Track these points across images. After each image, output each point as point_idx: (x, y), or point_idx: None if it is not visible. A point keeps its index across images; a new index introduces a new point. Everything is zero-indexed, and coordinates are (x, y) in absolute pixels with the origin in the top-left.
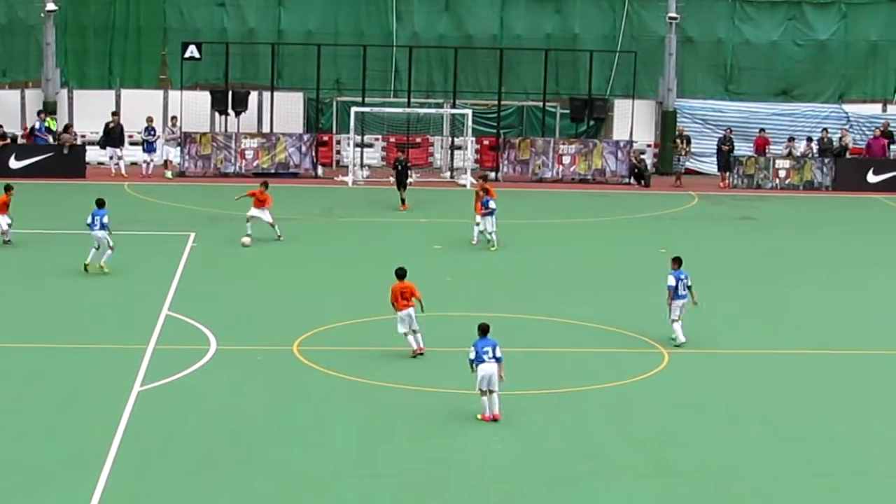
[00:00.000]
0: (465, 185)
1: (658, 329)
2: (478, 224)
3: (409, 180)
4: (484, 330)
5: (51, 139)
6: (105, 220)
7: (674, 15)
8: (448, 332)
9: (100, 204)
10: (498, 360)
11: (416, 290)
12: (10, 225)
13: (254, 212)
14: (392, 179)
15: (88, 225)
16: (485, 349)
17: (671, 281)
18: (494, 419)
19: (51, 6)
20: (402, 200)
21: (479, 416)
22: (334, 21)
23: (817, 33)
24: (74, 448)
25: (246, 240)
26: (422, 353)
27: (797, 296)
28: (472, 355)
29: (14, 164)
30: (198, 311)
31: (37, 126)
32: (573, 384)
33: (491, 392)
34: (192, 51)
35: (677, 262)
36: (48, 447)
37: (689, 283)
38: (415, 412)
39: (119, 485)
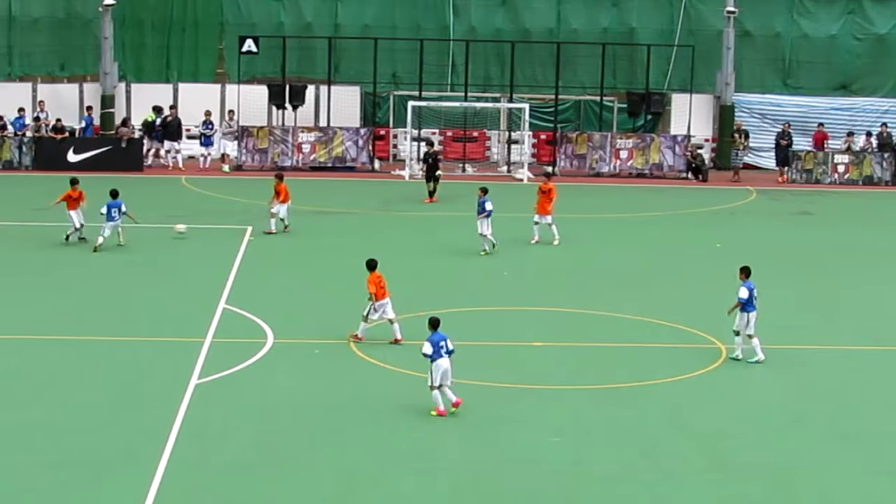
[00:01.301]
0: (521, 180)
1: (715, 324)
2: (537, 223)
3: (439, 173)
4: (435, 324)
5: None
6: (123, 209)
7: (732, 9)
8: (505, 326)
9: (114, 195)
10: (450, 353)
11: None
12: (82, 225)
13: (275, 206)
14: (422, 172)
15: (104, 214)
16: (440, 343)
17: (744, 293)
18: (456, 406)
19: (108, 0)
20: (430, 193)
21: (433, 412)
22: (391, 15)
23: (876, 27)
24: (131, 441)
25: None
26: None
27: (855, 291)
28: (430, 350)
29: (72, 157)
30: (255, 304)
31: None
32: (630, 379)
33: (442, 386)
34: (249, 45)
35: (747, 271)
36: (105, 440)
37: (756, 294)
38: (471, 406)
39: (176, 478)
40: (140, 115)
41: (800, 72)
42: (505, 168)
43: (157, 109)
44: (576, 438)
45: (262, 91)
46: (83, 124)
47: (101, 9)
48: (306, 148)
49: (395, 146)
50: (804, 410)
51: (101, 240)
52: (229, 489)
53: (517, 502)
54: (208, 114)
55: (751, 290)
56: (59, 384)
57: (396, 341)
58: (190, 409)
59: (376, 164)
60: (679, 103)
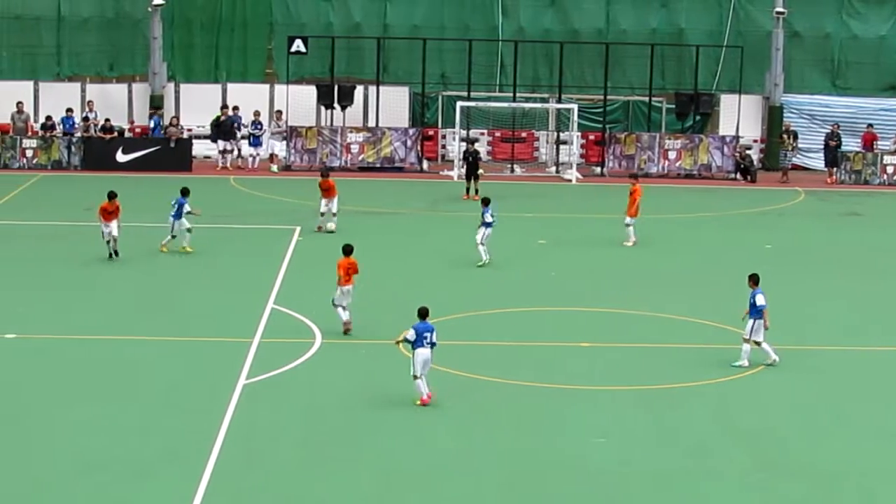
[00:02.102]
0: (570, 181)
1: None
2: (628, 224)
3: (480, 171)
4: (423, 314)
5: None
6: (187, 208)
7: (781, 10)
8: (552, 327)
9: (184, 192)
10: (433, 345)
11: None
12: (115, 238)
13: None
14: (463, 171)
15: (173, 216)
16: (425, 334)
17: (761, 300)
18: (424, 403)
19: (158, 0)
20: (467, 190)
21: (417, 402)
22: (440, 15)
23: None
24: (179, 441)
25: (330, 225)
26: (349, 330)
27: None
28: (412, 337)
29: (121, 157)
30: (303, 304)
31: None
32: (676, 380)
33: (422, 376)
34: (297, 45)
35: (755, 279)
36: (153, 440)
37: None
38: (517, 406)
39: (223, 479)
40: (190, 115)
41: (849, 72)
42: (553, 169)
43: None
44: (621, 439)
45: (310, 91)
46: (151, 125)
47: (150, 9)
48: (355, 148)
49: (443, 146)
50: (852, 411)
51: (168, 238)
52: (276, 490)
53: (562, 502)
54: (257, 114)
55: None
56: (107, 384)
57: (349, 327)
58: (237, 410)
59: (424, 165)
60: (728, 104)
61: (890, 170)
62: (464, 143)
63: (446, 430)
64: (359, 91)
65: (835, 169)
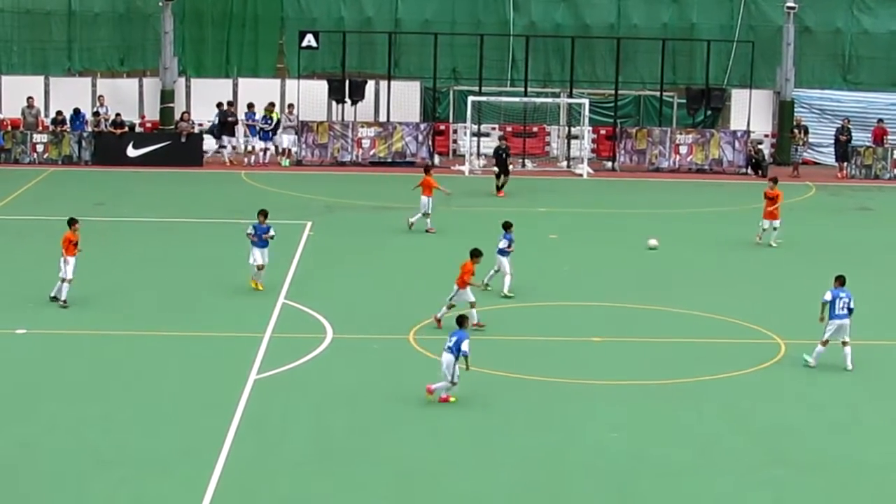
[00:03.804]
0: (581, 175)
1: (773, 319)
2: (764, 229)
3: (511, 167)
4: (459, 321)
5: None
6: (271, 233)
7: (792, 4)
8: (566, 322)
9: (264, 215)
10: (448, 349)
11: None
12: (70, 281)
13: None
14: (495, 168)
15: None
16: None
17: (827, 296)
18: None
19: None
20: (498, 187)
21: (453, 399)
22: (451, 10)
23: None
24: (190, 437)
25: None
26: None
27: None
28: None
29: (132, 152)
30: (314, 299)
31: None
32: (689, 374)
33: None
34: (309, 40)
35: (840, 280)
36: (165, 436)
37: (852, 307)
38: (529, 402)
39: (235, 473)
40: (201, 110)
41: (859, 67)
42: (565, 163)
43: (250, 106)
44: (635, 434)
45: (321, 86)
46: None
47: (161, 3)
48: (366, 143)
49: (454, 141)
50: (864, 405)
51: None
52: (288, 485)
53: (576, 497)
54: (268, 109)
55: (836, 297)
56: (119, 380)
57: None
58: (249, 405)
59: (436, 160)
60: (739, 99)
61: None
62: (476, 138)
63: (459, 425)
64: (370, 86)
65: (845, 164)
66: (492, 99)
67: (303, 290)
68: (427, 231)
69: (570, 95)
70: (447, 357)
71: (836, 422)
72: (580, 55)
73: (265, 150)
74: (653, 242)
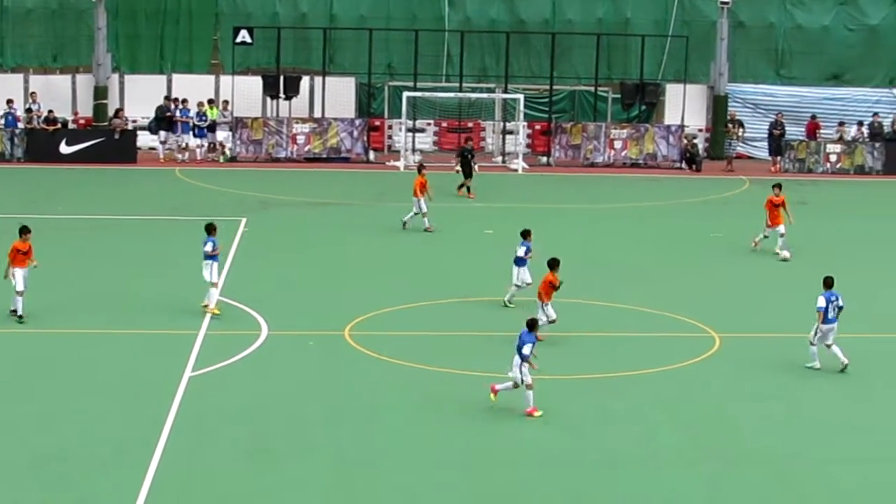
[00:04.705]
0: (516, 170)
1: (710, 314)
2: (766, 237)
3: (476, 167)
4: (530, 325)
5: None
6: (207, 248)
7: (726, 0)
8: (500, 317)
9: (208, 230)
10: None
11: None
12: (21, 293)
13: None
14: (458, 168)
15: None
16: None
17: (821, 302)
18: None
19: None
20: (468, 189)
21: (538, 413)
22: (386, 6)
23: (868, 18)
24: (126, 434)
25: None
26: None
27: (852, 280)
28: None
29: (65, 149)
30: (249, 296)
31: (188, 114)
32: (624, 368)
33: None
34: (243, 35)
35: (828, 282)
36: (100, 433)
37: (841, 305)
38: (465, 397)
39: (170, 470)
40: (135, 106)
41: (793, 62)
42: (500, 159)
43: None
44: (569, 428)
45: (256, 82)
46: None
47: None
48: (301, 139)
49: (390, 137)
50: (799, 398)
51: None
52: (223, 482)
53: (511, 492)
54: (201, 105)
55: (829, 301)
56: (53, 378)
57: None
58: (184, 403)
59: (371, 155)
60: (673, 94)
61: (833, 158)
62: (410, 134)
63: (394, 420)
64: (305, 81)
65: (779, 158)
66: (427, 94)
67: (238, 287)
68: (426, 230)
69: (506, 91)
70: (515, 358)
71: (773, 415)
72: (515, 50)
73: (200, 146)
74: (785, 254)
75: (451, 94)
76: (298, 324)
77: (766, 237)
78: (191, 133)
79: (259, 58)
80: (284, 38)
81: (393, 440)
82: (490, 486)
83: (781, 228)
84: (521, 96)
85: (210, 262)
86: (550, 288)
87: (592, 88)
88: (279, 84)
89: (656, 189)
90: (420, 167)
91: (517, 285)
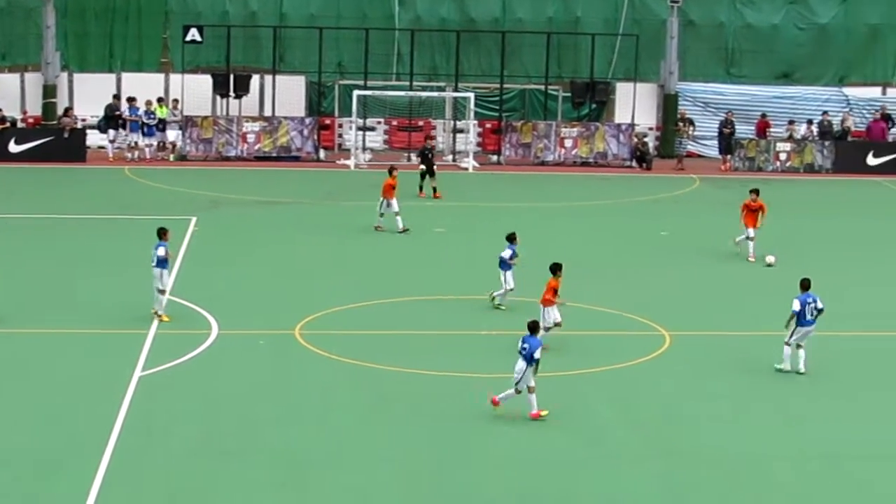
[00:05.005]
0: (467, 169)
1: (659, 312)
2: (750, 238)
3: (435, 167)
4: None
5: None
6: (159, 252)
7: None
8: (451, 315)
9: (159, 234)
10: (521, 354)
11: None
12: None
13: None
14: (421, 168)
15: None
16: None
17: (796, 305)
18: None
19: None
20: (434, 189)
21: (544, 413)
22: (336, 4)
23: (818, 17)
24: (76, 435)
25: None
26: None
27: (795, 277)
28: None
29: (14, 147)
30: (199, 295)
31: (137, 113)
32: (575, 367)
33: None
34: (193, 34)
35: (805, 284)
36: (50, 434)
37: (821, 307)
38: (416, 396)
39: (121, 470)
40: (84, 105)
41: (742, 61)
42: (450, 157)
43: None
44: (520, 427)
45: (206, 81)
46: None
47: None
48: (251, 138)
49: (340, 136)
50: (749, 395)
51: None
52: (174, 482)
53: (459, 490)
54: (149, 104)
55: (805, 303)
56: (2, 379)
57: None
58: (134, 402)
59: (321, 154)
60: (623, 92)
61: (783, 157)
62: (361, 132)
63: (345, 419)
64: (255, 80)
65: (729, 156)
66: (377, 93)
67: (188, 286)
68: (401, 231)
69: (456, 89)
70: (520, 363)
71: (721, 413)
72: (465, 49)
73: (149, 145)
74: (770, 259)
75: (402, 93)
76: (249, 323)
77: (749, 239)
78: (139, 132)
79: (209, 56)
80: (234, 36)
81: (344, 439)
82: (440, 485)
83: (752, 232)
84: (471, 95)
85: (159, 268)
86: (554, 293)
87: (543, 87)
88: (229, 83)
89: (606, 188)
90: (391, 169)
91: (511, 289)
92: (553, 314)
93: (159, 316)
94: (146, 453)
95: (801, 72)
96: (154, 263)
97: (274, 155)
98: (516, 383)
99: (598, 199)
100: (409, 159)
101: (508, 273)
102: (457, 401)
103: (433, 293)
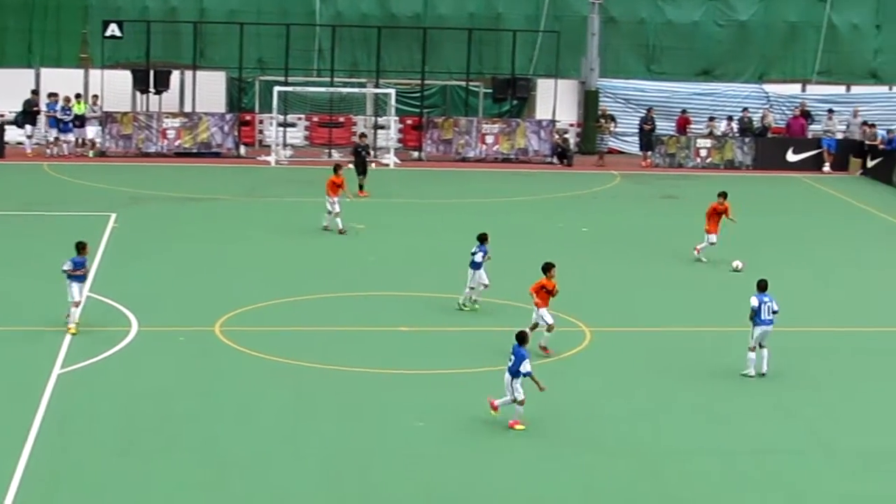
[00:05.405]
0: (388, 165)
1: (580, 308)
2: (712, 244)
3: (372, 165)
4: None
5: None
6: (68, 267)
7: None
8: (369, 312)
9: (78, 248)
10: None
11: None
12: None
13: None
14: (352, 165)
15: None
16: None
17: (754, 302)
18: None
19: None
20: (361, 186)
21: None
22: (257, 0)
23: (738, 14)
24: None
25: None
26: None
27: (717, 273)
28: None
29: None
30: (119, 292)
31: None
32: (494, 363)
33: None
34: (113, 29)
35: (762, 285)
36: None
37: (776, 309)
38: (338, 392)
39: (39, 469)
40: (3, 100)
41: (663, 57)
42: (371, 153)
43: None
44: (441, 424)
45: (126, 76)
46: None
47: None
48: (171, 134)
49: (260, 132)
50: (670, 391)
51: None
52: (94, 480)
53: (384, 487)
54: (67, 100)
55: (762, 302)
56: None
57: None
58: (52, 400)
59: (242, 150)
60: (544, 88)
61: (703, 153)
62: (281, 128)
63: (267, 416)
64: (175, 76)
65: (649, 152)
66: (298, 89)
67: (107, 283)
68: (339, 232)
69: (377, 85)
70: (507, 376)
71: (643, 409)
72: (387, 45)
73: (66, 141)
74: (737, 264)
75: (323, 89)
76: (169, 320)
77: (712, 244)
78: (57, 128)
79: (129, 52)
80: (154, 31)
81: (265, 436)
82: (363, 482)
83: (713, 237)
84: (392, 91)
85: (75, 281)
86: (546, 294)
87: (464, 83)
88: (149, 78)
89: (527, 184)
90: (336, 167)
91: (472, 287)
92: (547, 317)
93: (69, 329)
94: (65, 452)
95: (722, 68)
96: (67, 277)
97: (194, 151)
98: (510, 394)
99: (519, 195)
100: (329, 155)
101: (481, 271)
102: (374, 396)
103: (353, 290)
